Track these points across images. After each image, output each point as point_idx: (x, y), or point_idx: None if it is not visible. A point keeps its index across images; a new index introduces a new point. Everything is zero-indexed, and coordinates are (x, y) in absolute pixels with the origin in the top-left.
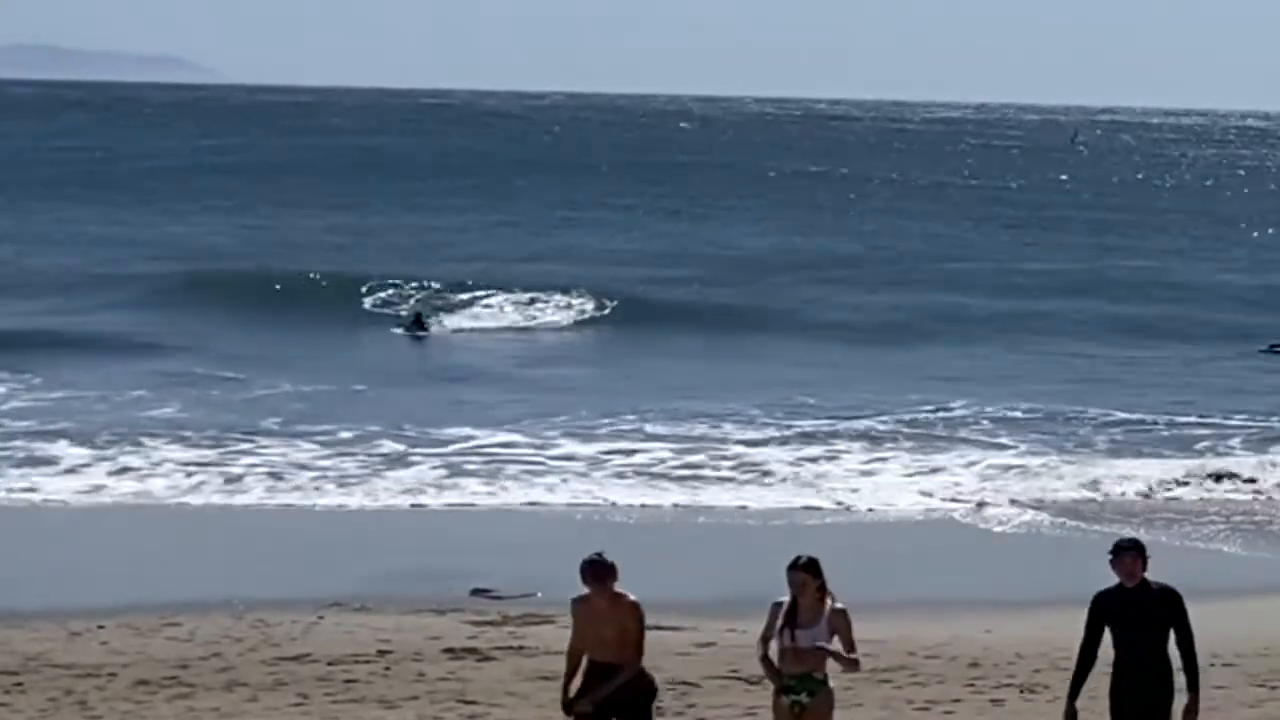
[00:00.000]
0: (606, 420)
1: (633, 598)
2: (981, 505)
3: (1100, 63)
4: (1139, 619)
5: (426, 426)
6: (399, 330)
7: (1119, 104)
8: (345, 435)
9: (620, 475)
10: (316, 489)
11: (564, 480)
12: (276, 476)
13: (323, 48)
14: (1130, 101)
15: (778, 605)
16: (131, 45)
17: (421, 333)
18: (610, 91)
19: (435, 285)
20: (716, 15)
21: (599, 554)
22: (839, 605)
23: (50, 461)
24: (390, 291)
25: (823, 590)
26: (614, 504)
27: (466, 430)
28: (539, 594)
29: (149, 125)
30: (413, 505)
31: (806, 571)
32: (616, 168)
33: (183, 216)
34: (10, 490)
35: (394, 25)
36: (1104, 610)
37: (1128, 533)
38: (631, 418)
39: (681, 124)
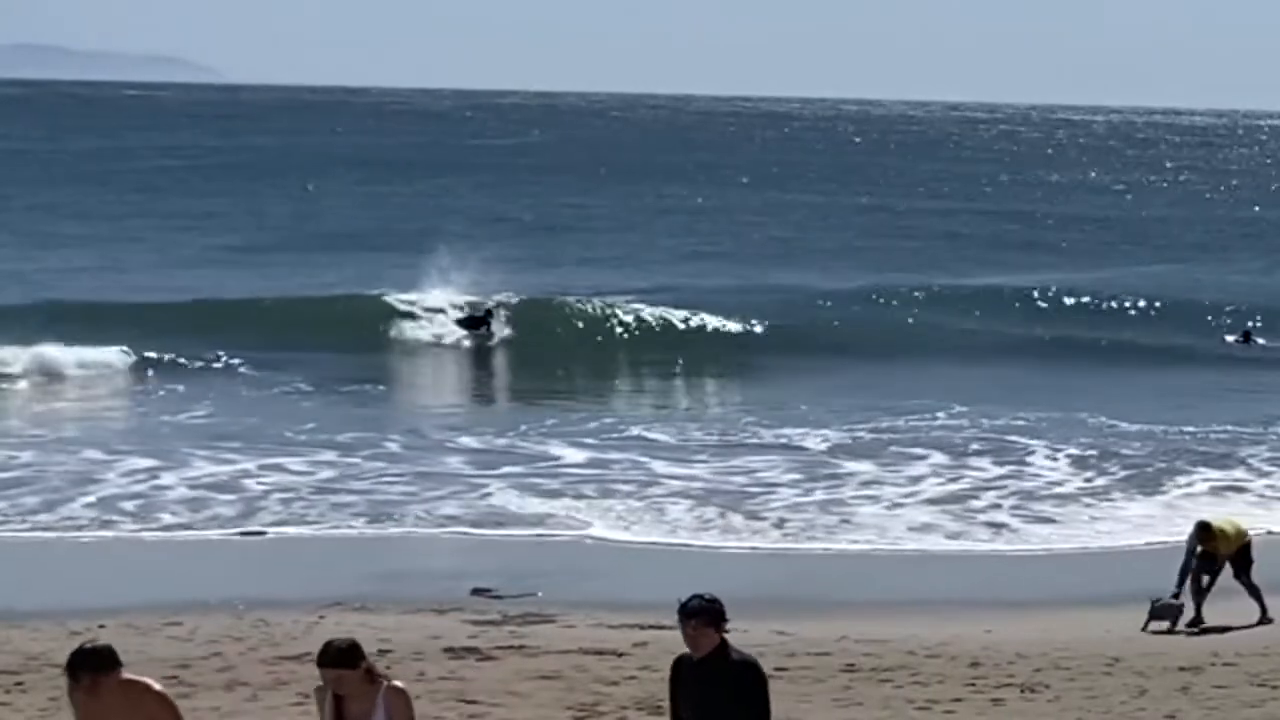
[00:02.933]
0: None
1: (158, 687)
2: None
3: (1086, 62)
4: (711, 695)
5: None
6: (459, 328)
7: (1100, 104)
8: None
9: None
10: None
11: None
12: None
13: (325, 47)
14: (1104, 101)
15: (320, 690)
16: (131, 45)
17: (484, 331)
18: (608, 91)
19: (498, 292)
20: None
21: (90, 642)
22: (396, 684)
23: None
24: (438, 294)
25: (371, 674)
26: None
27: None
28: (539, 593)
29: (155, 125)
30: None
31: (338, 666)
32: (621, 170)
33: (208, 218)
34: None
35: (395, 25)
36: (678, 681)
37: None
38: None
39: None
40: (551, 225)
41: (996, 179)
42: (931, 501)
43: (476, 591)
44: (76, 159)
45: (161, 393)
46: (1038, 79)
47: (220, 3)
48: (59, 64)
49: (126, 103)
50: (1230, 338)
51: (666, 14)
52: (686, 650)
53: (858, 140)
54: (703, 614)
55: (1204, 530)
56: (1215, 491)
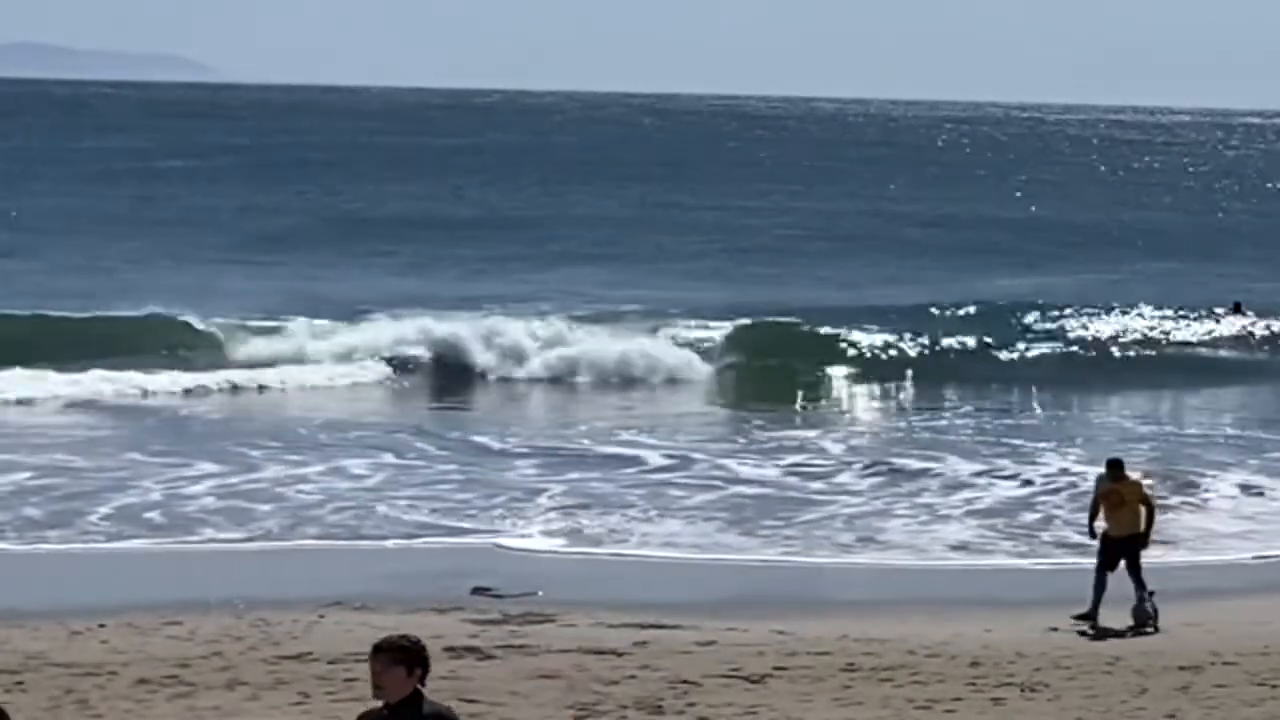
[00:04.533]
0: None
1: None
2: None
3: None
4: None
5: None
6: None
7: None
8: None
9: None
10: None
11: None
12: None
13: (327, 46)
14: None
15: None
16: (132, 44)
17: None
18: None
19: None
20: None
21: None
22: None
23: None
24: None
25: None
26: None
27: None
28: (539, 593)
29: (155, 125)
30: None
31: None
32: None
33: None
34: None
35: (396, 24)
36: None
37: None
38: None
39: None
40: (577, 226)
41: (994, 179)
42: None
43: (477, 591)
44: (77, 159)
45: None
46: (1022, 77)
47: (221, 2)
48: (60, 64)
49: (126, 102)
50: (1220, 310)
51: (647, 11)
52: (380, 702)
53: (830, 137)
54: (393, 650)
55: (1115, 468)
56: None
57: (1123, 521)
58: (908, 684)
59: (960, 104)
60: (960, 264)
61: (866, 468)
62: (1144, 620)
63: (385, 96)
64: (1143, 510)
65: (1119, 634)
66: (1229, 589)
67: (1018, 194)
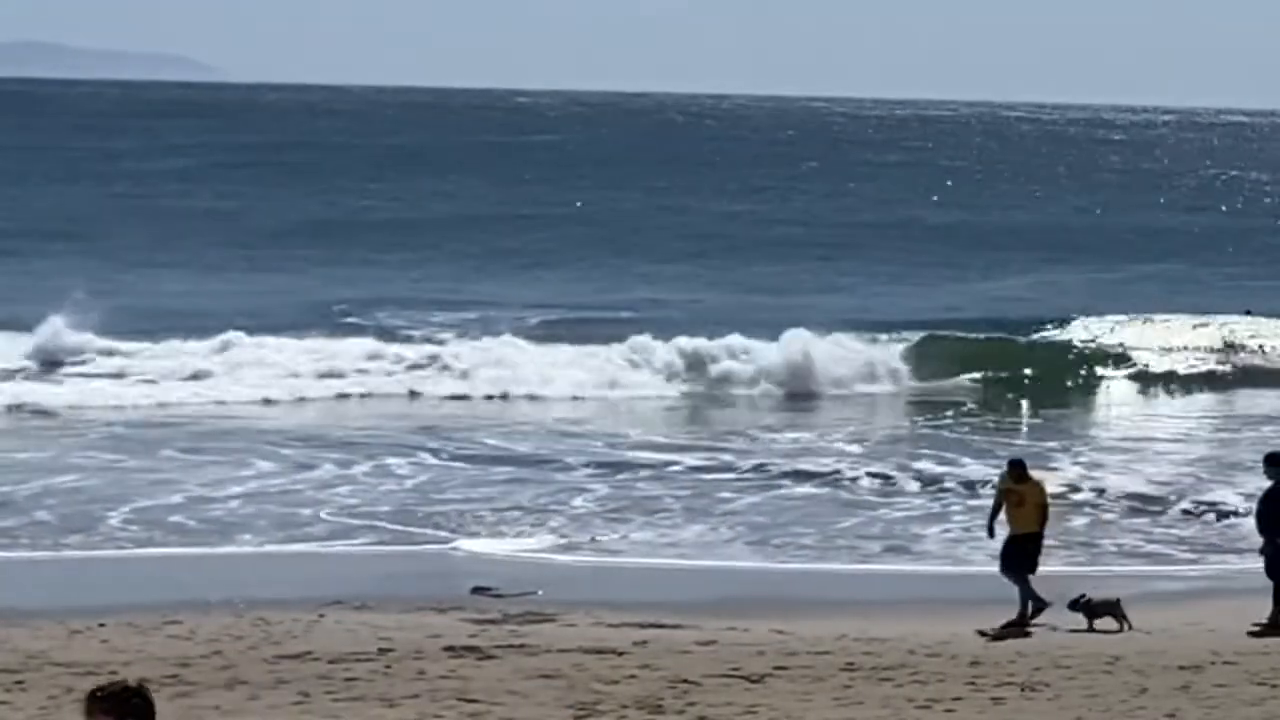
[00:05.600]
0: None
1: None
2: None
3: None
4: None
5: None
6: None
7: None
8: None
9: None
10: None
11: None
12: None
13: (330, 46)
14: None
15: None
16: (135, 44)
17: None
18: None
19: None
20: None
21: None
22: None
23: None
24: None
25: None
26: None
27: None
28: (539, 592)
29: (156, 126)
30: None
31: None
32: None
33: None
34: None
35: (398, 24)
36: None
37: None
38: None
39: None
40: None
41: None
42: None
43: (477, 590)
44: (76, 158)
45: None
46: (1007, 76)
47: (221, 2)
48: (62, 63)
49: (125, 101)
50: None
51: (642, 10)
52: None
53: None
54: (102, 699)
55: (1016, 468)
56: None
57: (1022, 520)
58: (908, 683)
59: (952, 103)
60: (964, 265)
61: (926, 479)
62: (1037, 612)
63: (384, 96)
64: (1038, 513)
65: (1118, 634)
66: (1229, 589)
67: (1018, 196)
